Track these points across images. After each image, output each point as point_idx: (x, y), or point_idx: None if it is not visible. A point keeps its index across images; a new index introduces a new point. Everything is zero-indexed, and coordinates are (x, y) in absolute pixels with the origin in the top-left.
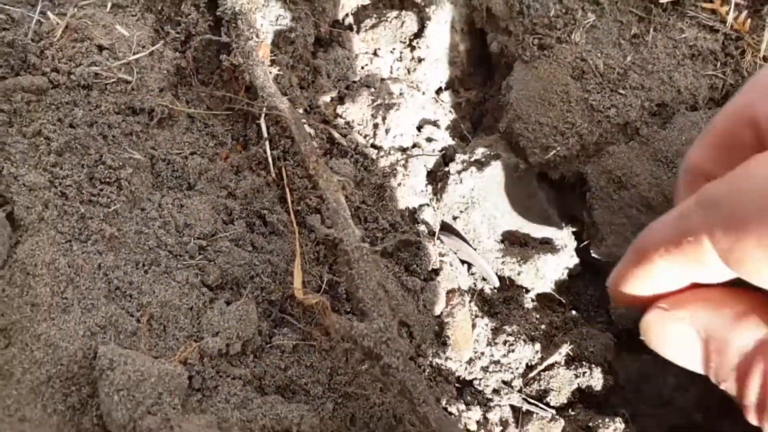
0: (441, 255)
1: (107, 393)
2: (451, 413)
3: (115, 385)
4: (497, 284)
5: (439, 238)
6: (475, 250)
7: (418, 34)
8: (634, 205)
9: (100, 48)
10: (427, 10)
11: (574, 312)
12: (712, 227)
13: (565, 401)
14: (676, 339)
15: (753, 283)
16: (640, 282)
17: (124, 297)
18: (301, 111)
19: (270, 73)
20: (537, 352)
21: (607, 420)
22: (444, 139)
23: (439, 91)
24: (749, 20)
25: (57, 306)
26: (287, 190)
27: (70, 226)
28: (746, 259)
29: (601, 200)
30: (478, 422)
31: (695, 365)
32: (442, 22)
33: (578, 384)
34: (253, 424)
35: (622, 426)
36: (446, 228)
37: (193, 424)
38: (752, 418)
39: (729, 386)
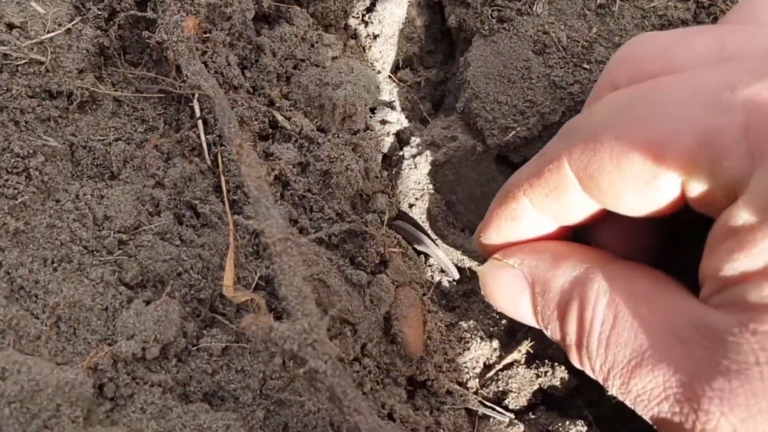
0: (392, 246)
1: None
2: (396, 419)
3: (6, 396)
4: (457, 276)
5: (392, 228)
6: (432, 240)
7: (371, 9)
8: None
9: (10, 26)
10: None
11: None
12: (571, 149)
13: (525, 403)
14: (507, 286)
15: (607, 207)
16: (504, 224)
17: (29, 297)
18: (242, 91)
19: (197, 50)
20: (495, 349)
21: (568, 423)
22: (400, 121)
23: (396, 70)
24: None
25: None
26: (222, 177)
27: None
28: (601, 172)
29: None
30: (428, 428)
31: (526, 315)
32: None
33: (539, 384)
34: None
35: (585, 429)
36: (402, 217)
37: None
38: (574, 359)
39: (552, 328)
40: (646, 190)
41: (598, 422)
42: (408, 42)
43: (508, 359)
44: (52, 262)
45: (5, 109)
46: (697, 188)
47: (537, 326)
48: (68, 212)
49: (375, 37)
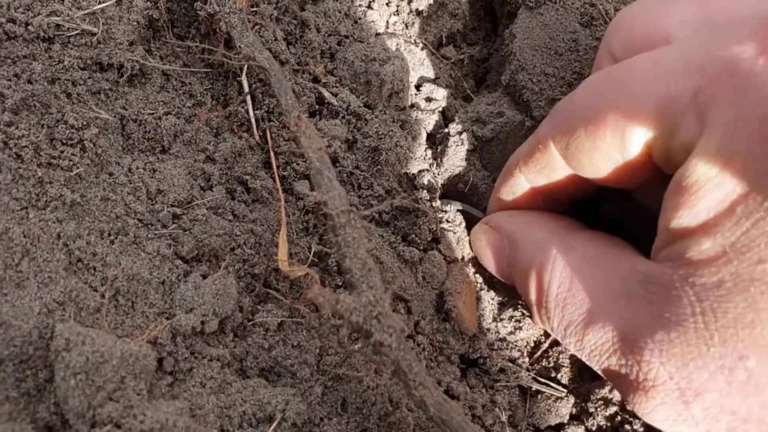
0: (442, 222)
1: (63, 377)
2: (454, 396)
3: (71, 368)
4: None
5: (441, 204)
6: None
7: None
8: None
9: None
10: None
11: None
12: (555, 131)
13: (576, 375)
14: (490, 248)
15: (591, 178)
16: (505, 198)
17: (87, 270)
18: (288, 67)
19: (249, 21)
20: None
21: (605, 383)
22: (444, 98)
23: (439, 46)
24: None
25: (10, 280)
26: (272, 153)
27: (26, 191)
28: (580, 151)
29: None
30: (484, 406)
31: (503, 270)
32: None
33: None
34: (231, 411)
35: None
36: (449, 194)
37: (161, 412)
38: (535, 318)
39: (520, 288)
40: (620, 160)
41: None
42: (452, 18)
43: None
44: (109, 235)
45: (58, 80)
46: (660, 153)
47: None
48: (122, 185)
49: (418, 13)
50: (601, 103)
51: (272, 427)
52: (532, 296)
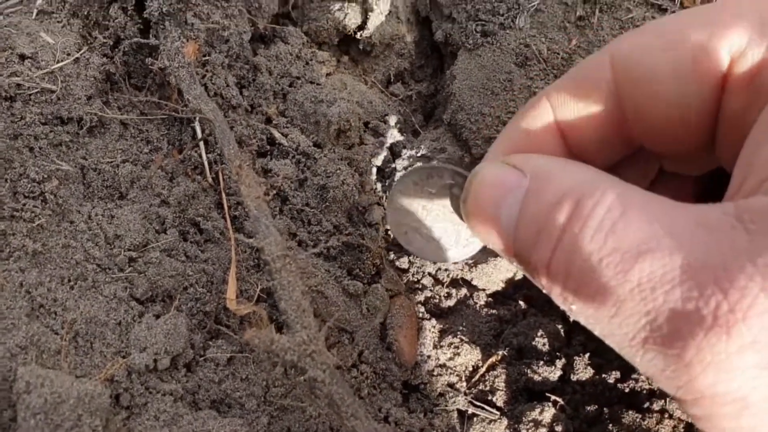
0: (386, 256)
1: (24, 417)
2: (394, 422)
3: (31, 408)
4: None
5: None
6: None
7: (362, 26)
8: None
9: (23, 57)
10: (370, 1)
11: (522, 304)
12: (615, 44)
13: (509, 399)
14: (496, 184)
15: (640, 114)
16: (517, 136)
17: (48, 314)
18: (241, 110)
19: (197, 74)
20: (481, 353)
21: (538, 408)
22: (392, 134)
23: (388, 84)
24: None
25: None
26: (223, 195)
27: None
28: (649, 52)
29: None
30: (422, 430)
31: (503, 221)
32: (386, 13)
33: (524, 380)
34: None
35: (553, 411)
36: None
37: None
38: (542, 254)
39: (539, 219)
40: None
41: (572, 404)
42: (399, 57)
43: (492, 360)
44: (69, 281)
45: (20, 136)
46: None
47: (500, 242)
48: (82, 232)
49: (367, 53)
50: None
51: None
52: (560, 220)
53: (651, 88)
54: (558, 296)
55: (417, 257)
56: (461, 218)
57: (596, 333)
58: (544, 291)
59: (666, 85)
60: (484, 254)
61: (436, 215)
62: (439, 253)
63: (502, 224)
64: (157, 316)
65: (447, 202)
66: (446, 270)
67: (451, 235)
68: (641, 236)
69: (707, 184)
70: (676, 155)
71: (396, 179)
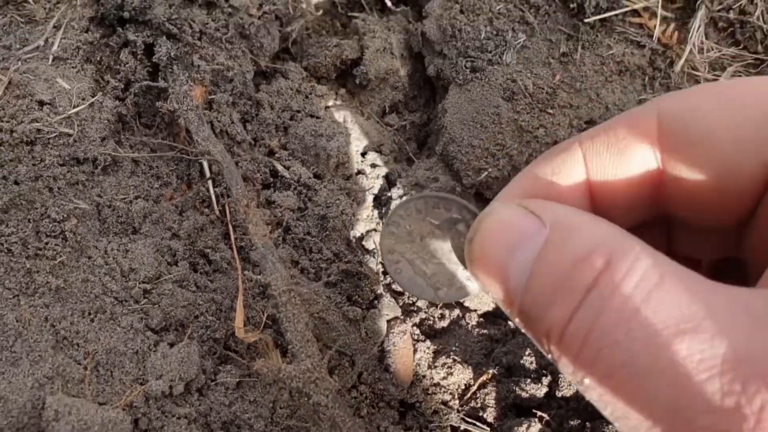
0: (383, 281)
1: None
2: None
3: None
4: None
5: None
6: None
7: (358, 62)
8: None
9: (41, 103)
10: (365, 37)
11: (511, 323)
12: (665, 99)
13: (500, 414)
14: (510, 230)
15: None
16: (544, 172)
17: (72, 346)
18: (245, 145)
19: (205, 115)
20: (474, 370)
21: (525, 424)
22: (388, 163)
23: (383, 114)
24: (677, 33)
25: (6, 360)
26: (230, 226)
27: (17, 281)
28: (701, 116)
29: None
30: None
31: (512, 272)
32: (381, 49)
33: (512, 397)
34: None
35: (537, 426)
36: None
37: None
38: (557, 328)
39: (560, 274)
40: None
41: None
42: (393, 90)
43: (483, 378)
44: (89, 314)
45: (40, 177)
46: None
47: (503, 294)
48: (99, 267)
49: (363, 86)
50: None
51: None
52: (585, 279)
53: (703, 152)
54: (566, 366)
55: (404, 291)
56: (461, 258)
57: (606, 414)
58: (548, 357)
59: (721, 150)
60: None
61: (433, 249)
62: (428, 290)
63: (510, 274)
64: (171, 345)
65: (448, 238)
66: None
67: (446, 274)
68: (679, 313)
69: (712, 273)
70: (704, 230)
71: (398, 203)
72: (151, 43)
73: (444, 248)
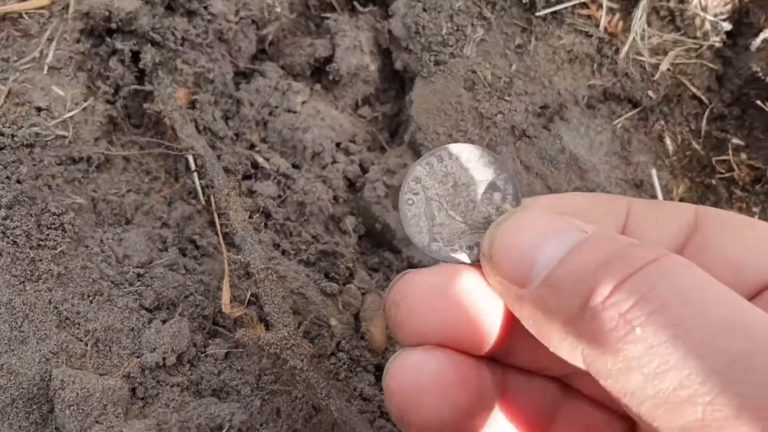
0: (357, 259)
1: (60, 409)
2: (366, 398)
3: (66, 401)
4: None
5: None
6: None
7: (330, 59)
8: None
9: (39, 109)
10: (336, 36)
11: None
12: None
13: None
14: (543, 225)
15: None
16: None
17: (73, 325)
18: (227, 140)
19: (189, 114)
20: None
21: None
22: (362, 152)
23: (357, 107)
24: (621, 22)
25: (16, 339)
26: (215, 215)
27: (22, 269)
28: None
29: None
30: None
31: (539, 264)
32: (351, 47)
33: None
34: (189, 423)
35: None
36: (369, 233)
37: (134, 429)
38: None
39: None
40: None
41: None
42: (364, 84)
43: None
44: (89, 296)
45: (40, 176)
46: None
47: (525, 278)
48: (96, 255)
49: (336, 82)
50: None
51: None
52: (641, 258)
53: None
54: (586, 340)
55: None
56: (476, 224)
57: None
58: (552, 344)
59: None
60: None
61: (458, 202)
62: (424, 236)
63: (539, 259)
64: (164, 322)
65: (479, 199)
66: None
67: (452, 231)
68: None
69: None
70: None
71: (455, 144)
72: (138, 51)
73: (469, 207)
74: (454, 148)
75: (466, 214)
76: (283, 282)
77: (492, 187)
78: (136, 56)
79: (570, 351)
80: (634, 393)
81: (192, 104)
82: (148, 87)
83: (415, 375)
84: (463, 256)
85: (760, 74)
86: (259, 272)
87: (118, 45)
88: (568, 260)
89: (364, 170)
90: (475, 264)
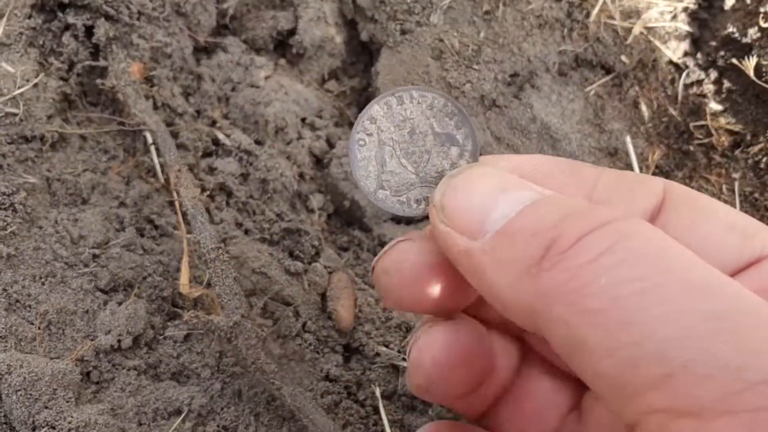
0: (325, 238)
1: (7, 394)
2: (333, 379)
3: (13, 386)
4: None
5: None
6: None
7: (293, 32)
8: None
9: None
10: (299, 7)
11: None
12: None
13: None
14: (496, 177)
15: None
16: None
17: (24, 308)
18: (187, 117)
19: (146, 90)
20: (416, 315)
21: None
22: (328, 127)
23: (323, 81)
24: None
25: None
26: (174, 193)
27: None
28: None
29: None
30: (359, 384)
31: (494, 214)
32: (315, 18)
33: None
34: (146, 408)
35: None
36: (338, 211)
37: (85, 414)
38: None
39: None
40: None
41: None
42: (330, 57)
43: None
44: (40, 278)
45: None
46: None
47: (478, 229)
48: (50, 235)
49: (301, 55)
50: None
51: (180, 418)
52: (601, 218)
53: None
54: (540, 294)
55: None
56: (427, 179)
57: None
58: (498, 298)
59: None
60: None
61: (412, 151)
62: (371, 182)
63: (496, 210)
64: (120, 303)
65: (435, 151)
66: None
67: (402, 181)
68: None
69: None
70: None
71: (422, 87)
72: (91, 26)
73: (423, 158)
74: (417, 91)
75: (419, 165)
76: (246, 262)
77: (450, 140)
78: (90, 31)
79: (521, 308)
80: (593, 349)
81: (149, 80)
82: (102, 63)
83: (445, 347)
84: (410, 209)
85: (737, 35)
86: (209, 252)
87: (71, 20)
88: (527, 212)
89: (331, 146)
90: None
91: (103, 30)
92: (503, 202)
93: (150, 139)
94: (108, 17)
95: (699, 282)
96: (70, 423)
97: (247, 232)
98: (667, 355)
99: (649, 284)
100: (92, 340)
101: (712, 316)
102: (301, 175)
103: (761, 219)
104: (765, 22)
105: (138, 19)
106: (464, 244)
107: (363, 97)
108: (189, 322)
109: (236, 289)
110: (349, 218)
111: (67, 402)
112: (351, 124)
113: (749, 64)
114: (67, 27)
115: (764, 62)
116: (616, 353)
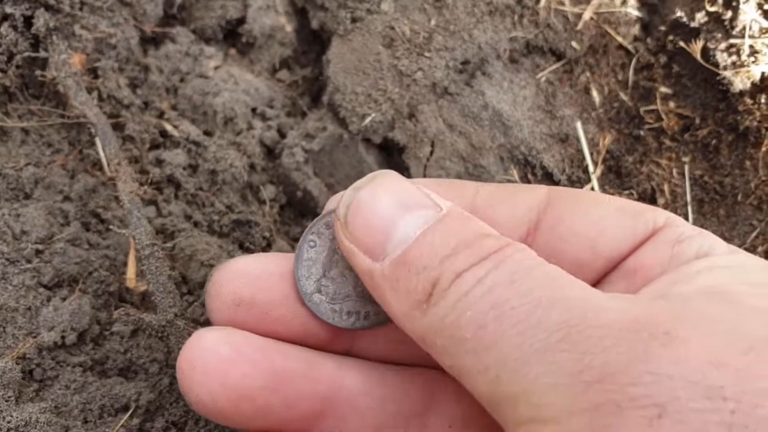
0: (277, 229)
1: None
2: None
3: None
4: None
5: None
6: None
7: (242, 21)
8: (447, 158)
9: None
10: None
11: None
12: None
13: None
14: (400, 191)
15: None
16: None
17: None
18: (134, 108)
19: (86, 82)
20: None
21: None
22: (279, 117)
23: (275, 71)
24: None
25: None
26: (120, 186)
27: None
28: None
29: (416, 159)
30: None
31: (400, 236)
32: (264, 6)
33: None
34: (92, 405)
35: None
36: (291, 201)
37: (26, 412)
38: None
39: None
40: None
41: None
42: (281, 46)
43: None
44: None
45: None
46: None
47: (380, 249)
48: None
49: (251, 44)
50: None
51: (128, 414)
52: (488, 247)
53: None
54: (430, 316)
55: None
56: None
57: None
58: (398, 312)
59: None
60: None
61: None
62: (311, 283)
63: (397, 229)
64: (64, 299)
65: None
66: None
67: (339, 289)
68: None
69: None
70: None
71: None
72: (30, 16)
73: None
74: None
75: (358, 281)
76: (195, 254)
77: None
78: (29, 21)
79: (415, 336)
80: (469, 373)
81: (94, 72)
82: (43, 54)
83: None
84: (340, 320)
85: (685, 19)
86: (144, 248)
87: (9, 9)
88: (423, 240)
89: (283, 136)
90: (350, 330)
91: (42, 20)
92: (404, 223)
93: (95, 132)
94: (48, 7)
95: (553, 295)
96: (9, 422)
97: (196, 224)
98: (521, 371)
99: (507, 308)
100: (35, 337)
101: (559, 327)
102: (252, 166)
103: (711, 201)
104: (711, 6)
105: (80, 9)
106: (367, 265)
107: (315, 86)
108: (120, 320)
109: (170, 287)
110: (302, 209)
111: (7, 401)
112: (304, 114)
113: (696, 48)
114: (5, 17)
115: (711, 46)
116: (485, 374)
